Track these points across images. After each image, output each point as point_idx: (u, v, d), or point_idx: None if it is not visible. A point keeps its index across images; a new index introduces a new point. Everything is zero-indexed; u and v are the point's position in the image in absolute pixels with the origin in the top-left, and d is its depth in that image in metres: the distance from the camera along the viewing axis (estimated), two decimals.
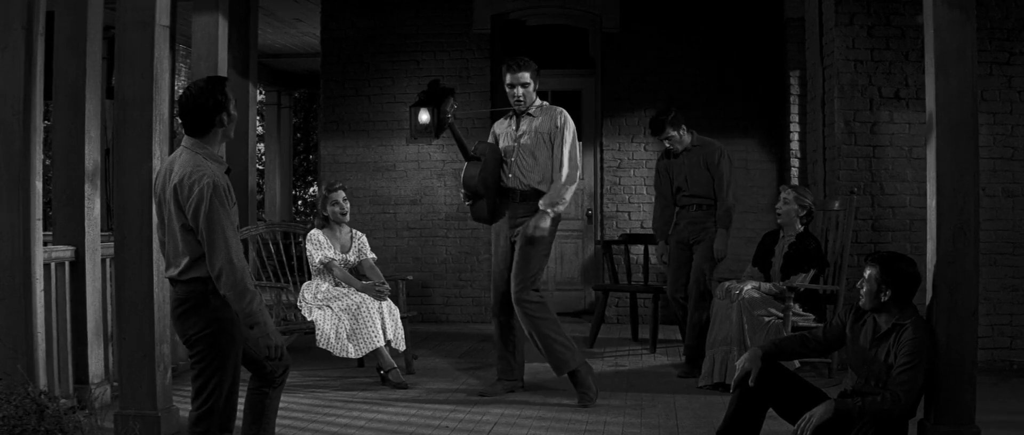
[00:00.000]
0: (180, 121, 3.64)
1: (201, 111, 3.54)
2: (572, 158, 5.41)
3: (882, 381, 3.95)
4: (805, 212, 5.92)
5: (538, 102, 5.55)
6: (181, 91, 3.81)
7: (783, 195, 5.99)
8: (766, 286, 5.72)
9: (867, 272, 4.08)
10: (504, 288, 5.52)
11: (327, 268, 6.10)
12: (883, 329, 4.04)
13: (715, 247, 6.30)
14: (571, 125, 5.48)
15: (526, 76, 5.44)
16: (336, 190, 6.21)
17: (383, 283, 6.09)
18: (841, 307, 5.72)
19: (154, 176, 4.45)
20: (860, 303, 4.13)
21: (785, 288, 5.61)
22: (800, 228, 5.91)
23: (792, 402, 4.09)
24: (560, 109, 5.54)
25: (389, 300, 6.03)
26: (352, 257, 6.20)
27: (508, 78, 5.47)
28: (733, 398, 4.17)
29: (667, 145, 6.45)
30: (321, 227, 6.21)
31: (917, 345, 3.92)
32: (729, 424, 4.15)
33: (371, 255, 6.31)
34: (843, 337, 4.22)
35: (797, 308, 5.68)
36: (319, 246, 6.11)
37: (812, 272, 5.75)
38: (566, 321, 8.75)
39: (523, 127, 5.52)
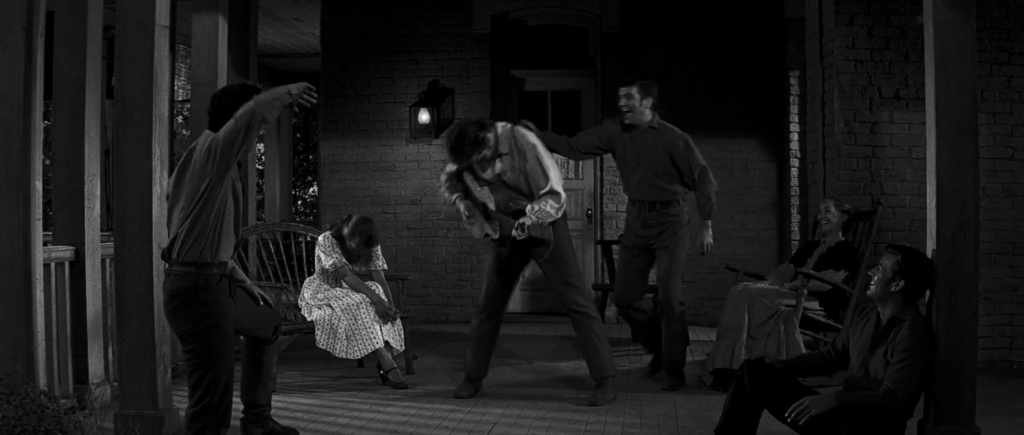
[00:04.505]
0: (193, 118, 3.83)
1: (228, 114, 3.72)
2: (550, 169, 5.29)
3: (880, 378, 3.96)
4: (847, 218, 5.97)
5: (499, 144, 5.30)
6: (204, 91, 4.01)
7: (823, 205, 6.04)
8: (780, 286, 5.75)
9: (885, 260, 4.07)
10: (501, 298, 5.56)
11: (337, 274, 6.03)
12: (883, 324, 4.04)
13: (704, 243, 5.80)
14: (530, 138, 5.33)
15: (486, 150, 5.22)
16: (376, 243, 6.08)
17: (393, 309, 6.02)
18: (850, 313, 5.72)
19: (154, 174, 4.46)
20: (869, 292, 4.12)
21: (801, 276, 5.64)
22: (841, 237, 5.94)
23: (787, 403, 4.08)
24: (514, 131, 5.36)
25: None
26: (360, 266, 6.15)
27: (475, 156, 5.23)
28: (727, 398, 4.17)
29: (623, 103, 5.78)
30: (338, 239, 6.07)
31: (914, 342, 3.92)
32: (725, 423, 4.15)
33: (383, 265, 6.26)
34: (846, 355, 4.22)
35: (815, 305, 5.71)
36: (334, 250, 6.04)
37: (843, 273, 5.77)
38: (566, 321, 8.74)
39: (497, 170, 5.35)
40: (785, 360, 4.40)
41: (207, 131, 3.83)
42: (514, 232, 5.23)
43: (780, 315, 5.53)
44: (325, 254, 6.02)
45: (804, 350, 5.46)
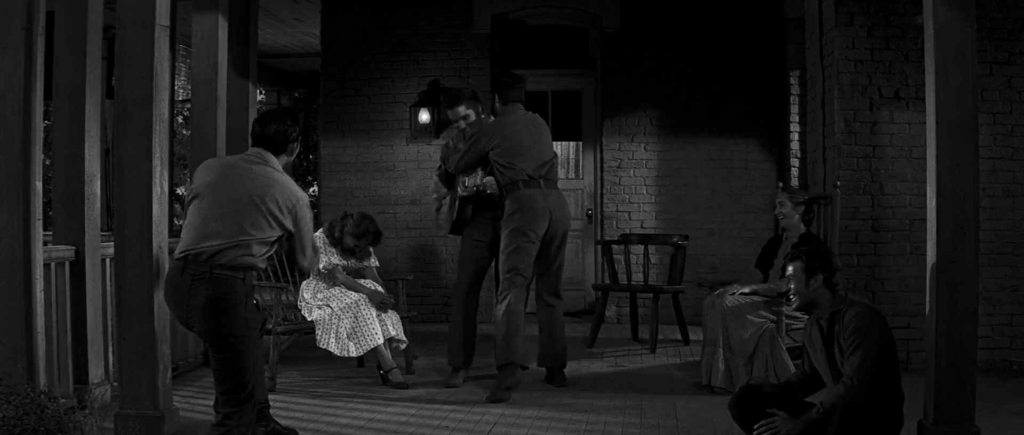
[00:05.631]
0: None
1: (277, 139, 4.09)
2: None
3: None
4: (804, 208, 5.88)
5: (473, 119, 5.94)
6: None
7: (778, 200, 5.96)
8: (763, 287, 5.68)
9: (792, 270, 4.10)
10: (476, 288, 5.97)
11: (330, 275, 6.05)
12: (825, 326, 4.07)
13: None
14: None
15: (462, 109, 5.88)
16: (377, 244, 6.18)
17: (389, 297, 6.07)
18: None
19: (154, 174, 4.46)
20: (793, 307, 4.16)
21: (776, 293, 5.59)
22: (804, 229, 5.88)
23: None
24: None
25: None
26: (353, 261, 6.16)
27: (450, 114, 5.94)
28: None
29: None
30: (331, 236, 6.10)
31: (858, 322, 3.92)
32: None
33: (375, 262, 6.29)
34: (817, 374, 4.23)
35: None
36: (324, 252, 6.05)
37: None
38: (566, 321, 8.73)
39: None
40: (774, 387, 4.36)
41: (266, 159, 4.06)
42: (479, 184, 5.82)
43: (764, 336, 5.50)
44: (318, 253, 6.04)
45: (793, 369, 5.42)
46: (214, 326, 3.82)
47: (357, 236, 6.03)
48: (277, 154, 4.10)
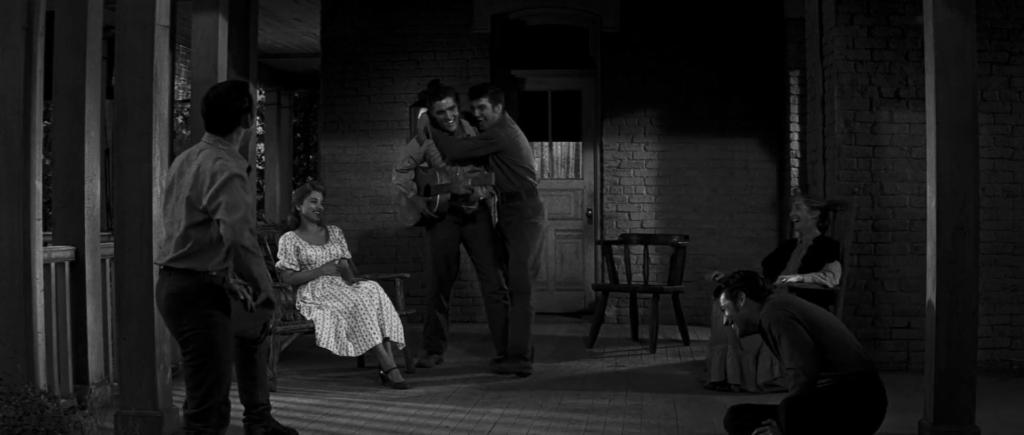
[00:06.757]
0: (193, 118, 3.95)
1: (227, 111, 3.85)
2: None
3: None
4: (819, 214, 5.95)
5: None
6: (204, 91, 4.17)
7: (795, 203, 6.09)
8: (809, 277, 5.74)
9: (721, 303, 4.34)
10: (448, 283, 6.59)
11: (281, 278, 6.06)
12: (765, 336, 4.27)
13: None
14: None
15: (450, 101, 6.38)
16: (320, 190, 6.27)
17: (351, 275, 6.19)
18: (840, 308, 5.76)
19: (154, 174, 4.46)
20: (738, 334, 4.41)
21: (783, 283, 5.63)
22: (817, 233, 5.93)
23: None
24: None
25: (388, 300, 6.03)
26: (334, 247, 6.18)
27: (435, 105, 6.42)
28: None
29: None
30: (294, 226, 6.20)
31: (768, 320, 4.15)
32: None
33: (347, 253, 6.33)
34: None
35: None
36: (284, 252, 6.08)
37: (837, 266, 5.76)
38: (566, 321, 8.76)
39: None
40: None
41: (205, 144, 3.88)
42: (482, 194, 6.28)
43: None
44: (280, 251, 6.10)
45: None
46: (172, 323, 3.83)
47: (303, 200, 6.17)
48: (226, 133, 3.86)
